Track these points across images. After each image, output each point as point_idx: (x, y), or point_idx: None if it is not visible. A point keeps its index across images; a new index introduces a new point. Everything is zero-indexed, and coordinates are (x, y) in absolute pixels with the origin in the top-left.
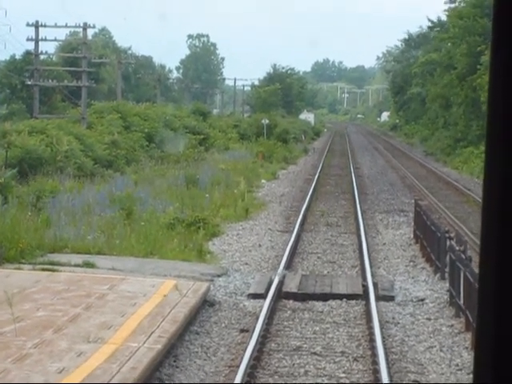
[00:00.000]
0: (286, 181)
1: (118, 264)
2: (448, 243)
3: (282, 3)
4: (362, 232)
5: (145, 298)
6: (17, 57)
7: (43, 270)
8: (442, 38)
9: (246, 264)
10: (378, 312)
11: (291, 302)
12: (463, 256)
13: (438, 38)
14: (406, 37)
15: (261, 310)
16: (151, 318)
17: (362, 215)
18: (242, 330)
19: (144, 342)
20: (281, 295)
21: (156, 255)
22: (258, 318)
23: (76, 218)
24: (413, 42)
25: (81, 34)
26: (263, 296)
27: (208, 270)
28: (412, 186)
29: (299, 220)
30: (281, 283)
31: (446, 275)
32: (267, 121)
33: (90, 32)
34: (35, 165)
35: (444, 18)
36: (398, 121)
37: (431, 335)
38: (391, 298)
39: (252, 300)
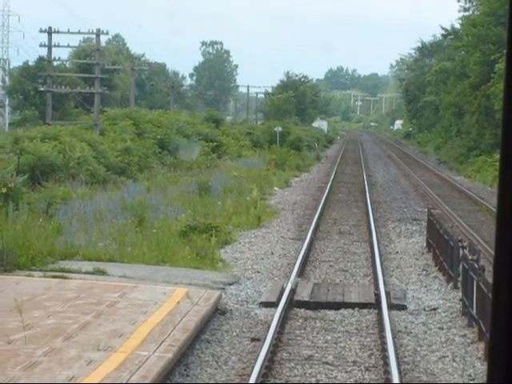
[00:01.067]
0: (299, 188)
1: (130, 271)
2: (461, 252)
3: (296, 11)
4: (374, 240)
5: (156, 306)
6: (30, 63)
7: (54, 277)
8: (455, 46)
9: (258, 272)
10: (390, 321)
11: (303, 310)
12: (476, 265)
13: (452, 47)
14: (420, 45)
15: (272, 319)
16: (162, 326)
17: (374, 223)
18: (254, 339)
19: (154, 351)
20: (292, 304)
21: (167, 263)
22: (269, 327)
23: (87, 225)
24: (426, 51)
25: (94, 41)
26: (275, 304)
27: (220, 277)
28: (425, 195)
29: (312, 228)
30: (292, 291)
31: (459, 284)
32: (280, 128)
33: (104, 39)
34: (47, 171)
35: (458, 26)
36: (411, 129)
37: (444, 345)
38: (403, 307)
39: (264, 308)
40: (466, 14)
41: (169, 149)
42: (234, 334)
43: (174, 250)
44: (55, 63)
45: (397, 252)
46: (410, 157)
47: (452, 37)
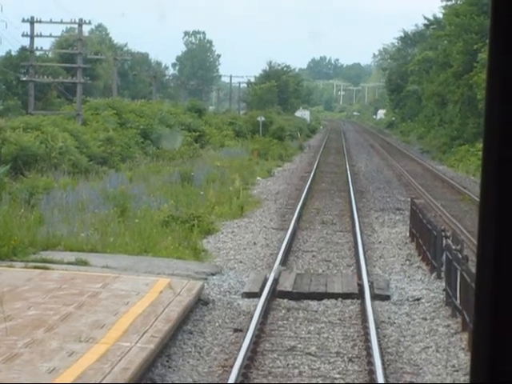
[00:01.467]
0: (282, 178)
1: (112, 262)
2: (444, 242)
3: (278, 0)
4: (357, 230)
5: (138, 297)
6: (13, 53)
7: (35, 267)
8: (438, 36)
9: (241, 262)
10: (373, 312)
11: (286, 301)
12: (460, 255)
13: (435, 36)
14: (402, 35)
15: (255, 309)
16: (144, 317)
17: (357, 213)
18: (236, 330)
19: (136, 342)
20: (275, 294)
21: (150, 253)
22: (252, 318)
23: (69, 215)
24: (409, 40)
25: (77, 31)
26: (257, 295)
27: (202, 268)
28: (408, 184)
29: (294, 218)
30: (275, 282)
31: (443, 274)
32: (263, 118)
33: (87, 28)
34: (30, 161)
35: (440, 15)
36: (393, 118)
37: (427, 335)
38: (387, 298)
39: (246, 299)
40: (449, 3)
41: (151, 139)
42: (217, 324)
43: (156, 240)
44: (38, 53)
45: (380, 242)
46: (392, 146)
47: (435, 26)
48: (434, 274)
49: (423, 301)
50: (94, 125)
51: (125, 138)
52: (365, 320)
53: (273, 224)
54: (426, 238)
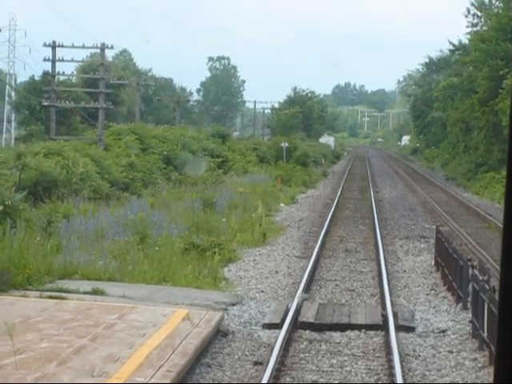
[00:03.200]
0: (305, 205)
1: (129, 291)
2: (471, 272)
3: (303, 27)
4: (381, 258)
5: (154, 329)
6: (36, 78)
7: (50, 297)
8: (463, 62)
9: (262, 292)
10: (397, 344)
11: (308, 332)
12: (487, 286)
13: (460, 62)
14: (427, 60)
15: (276, 341)
16: (160, 350)
17: (381, 241)
18: (256, 363)
19: (151, 377)
20: (297, 325)
21: (169, 282)
22: (272, 350)
23: (88, 243)
24: (433, 66)
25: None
26: (279, 326)
27: (222, 298)
28: (432, 211)
29: (317, 246)
30: (297, 312)
31: (469, 305)
32: (287, 144)
33: (111, 53)
34: (50, 187)
35: (465, 41)
36: (418, 145)
37: (453, 369)
38: (412, 329)
39: (267, 330)
40: (474, 29)
41: (174, 164)
42: (236, 357)
43: (175, 268)
44: (61, 78)
45: (404, 271)
46: (417, 173)
47: (460, 52)
48: (460, 305)
49: (449, 333)
50: (116, 150)
51: (147, 164)
52: (389, 353)
53: (295, 252)
54: (451, 268)
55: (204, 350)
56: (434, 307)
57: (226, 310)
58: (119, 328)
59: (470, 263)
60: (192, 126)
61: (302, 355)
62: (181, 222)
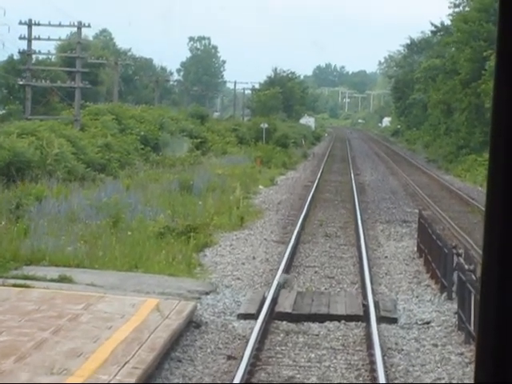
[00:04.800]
0: (285, 187)
1: (98, 279)
2: (456, 260)
3: (284, 7)
4: (362, 244)
5: (122, 320)
6: (15, 57)
7: (14, 285)
8: (446, 42)
9: (238, 279)
10: (379, 336)
11: (285, 323)
12: (474, 277)
13: (442, 43)
14: (409, 42)
15: (251, 333)
16: (127, 344)
17: (362, 225)
18: (230, 357)
19: (116, 374)
20: (273, 315)
21: (141, 269)
22: (247, 343)
23: (59, 227)
24: (415, 47)
25: (82, 35)
26: (254, 316)
27: (196, 286)
28: (414, 195)
29: (296, 230)
30: (274, 302)
31: (454, 295)
32: (266, 125)
33: (91, 33)
34: (23, 168)
35: (448, 22)
36: (399, 126)
37: (438, 365)
38: (394, 321)
39: (242, 321)
40: (457, 9)
41: (152, 145)
42: (209, 350)
43: (149, 254)
44: (40, 57)
45: (386, 257)
46: (398, 155)
47: (442, 33)
48: (445, 295)
49: (433, 324)
50: (93, 130)
51: (124, 144)
52: (370, 346)
53: (274, 236)
54: (435, 254)
55: (174, 344)
56: (416, 296)
57: (199, 299)
58: (84, 319)
59: (454, 251)
60: (172, 106)
61: (278, 348)
62: (156, 205)
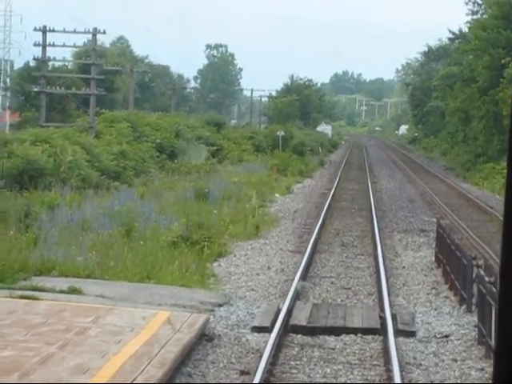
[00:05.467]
0: (301, 195)
1: (109, 290)
2: (475, 271)
3: (301, 15)
4: (379, 253)
5: (132, 334)
6: (31, 64)
7: (21, 297)
8: (464, 50)
9: (253, 290)
10: (397, 350)
11: (299, 336)
12: (494, 289)
13: (460, 51)
14: (426, 49)
15: (265, 347)
16: (136, 359)
17: (379, 234)
18: (243, 372)
19: None
20: (288, 328)
21: (153, 279)
22: (261, 357)
23: (70, 236)
24: (432, 55)
25: (99, 42)
26: (269, 329)
27: (209, 297)
28: (432, 203)
29: (312, 239)
30: (289, 314)
31: (473, 307)
32: (283, 132)
33: (108, 40)
34: (36, 176)
35: (466, 29)
36: (416, 134)
37: (458, 380)
38: (412, 334)
39: (256, 334)
40: (475, 17)
41: (167, 153)
42: (221, 365)
43: (161, 264)
44: (57, 64)
45: (403, 267)
46: (415, 163)
47: (459, 40)
48: (464, 307)
49: (452, 338)
50: (108, 138)
51: (139, 152)
52: (388, 361)
53: (289, 246)
54: (453, 265)
55: (186, 358)
56: (435, 309)
57: (212, 311)
58: (93, 333)
59: (474, 262)
60: (189, 113)
61: (292, 363)
62: (171, 213)
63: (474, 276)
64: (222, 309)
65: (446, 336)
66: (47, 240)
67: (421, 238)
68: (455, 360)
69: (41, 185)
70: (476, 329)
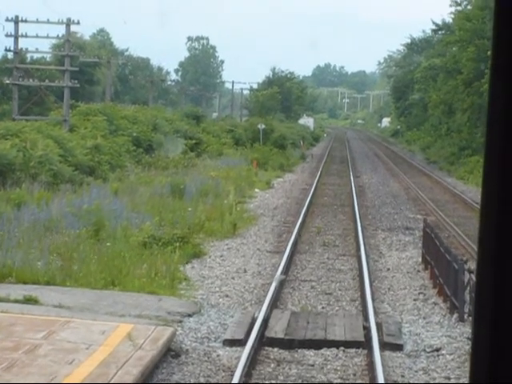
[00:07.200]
0: (281, 190)
1: (68, 299)
2: (467, 277)
3: (283, 7)
4: (362, 254)
5: (87, 352)
6: (9, 56)
7: None
8: (448, 41)
9: (226, 296)
10: (383, 367)
11: (276, 350)
12: None
13: (443, 42)
14: (409, 41)
15: (237, 363)
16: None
17: (362, 233)
18: None
19: None
20: (263, 341)
21: (118, 286)
22: (232, 375)
23: (32, 237)
24: (415, 47)
25: (78, 34)
26: (242, 342)
27: (178, 306)
28: (416, 199)
29: (292, 238)
30: (264, 324)
31: (466, 316)
32: (263, 125)
33: (88, 32)
34: (5, 171)
35: (449, 20)
36: (399, 127)
37: None
38: (399, 347)
39: (228, 348)
40: (459, 8)
41: (144, 147)
42: None
43: (129, 268)
44: (35, 56)
45: (388, 269)
46: (398, 156)
47: (443, 32)
48: (455, 316)
49: (444, 352)
50: (82, 131)
51: (115, 146)
52: (373, 378)
53: (268, 246)
54: (442, 268)
55: (148, 378)
56: (423, 317)
57: (180, 322)
58: (43, 352)
59: (466, 266)
60: (170, 106)
61: (267, 383)
62: (144, 211)
63: (465, 282)
64: (191, 319)
65: (437, 350)
66: (5, 243)
67: (406, 236)
68: (448, 378)
69: (9, 181)
70: (470, 341)
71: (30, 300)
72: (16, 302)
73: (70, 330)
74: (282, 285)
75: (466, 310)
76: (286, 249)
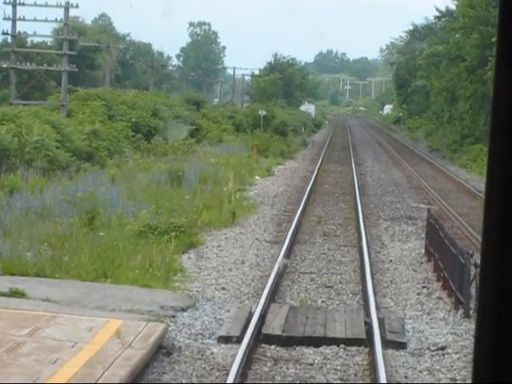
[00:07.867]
0: (282, 178)
1: (56, 292)
2: (474, 271)
3: None
4: (363, 244)
5: (73, 351)
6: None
7: None
8: (451, 28)
9: (223, 289)
10: (385, 367)
11: (273, 347)
12: None
13: (446, 29)
14: (411, 28)
15: (232, 362)
16: None
17: (364, 222)
18: None
19: None
20: (260, 338)
21: (110, 278)
22: (227, 375)
23: (23, 226)
24: (418, 34)
25: (80, 19)
26: (238, 339)
27: (171, 300)
28: (419, 187)
29: (292, 228)
30: (262, 320)
31: (472, 312)
32: (264, 112)
33: (90, 17)
34: (0, 157)
35: (453, 7)
36: (401, 114)
37: None
38: (402, 346)
39: (223, 345)
40: None
41: (143, 132)
42: None
43: (122, 258)
44: (35, 40)
45: (390, 261)
46: (400, 143)
47: (446, 18)
48: (461, 312)
49: (450, 351)
50: (80, 116)
51: (113, 132)
52: (375, 379)
53: (267, 235)
54: (447, 261)
55: (137, 379)
56: (427, 313)
57: (173, 317)
58: (26, 350)
59: (472, 261)
60: (171, 92)
61: (264, 383)
62: (141, 199)
63: (472, 277)
64: (185, 314)
65: (442, 348)
66: None
67: (409, 226)
68: (454, 379)
69: (4, 167)
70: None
71: (16, 293)
72: (1, 295)
73: (56, 327)
74: (281, 276)
75: (472, 306)
76: (285, 239)
